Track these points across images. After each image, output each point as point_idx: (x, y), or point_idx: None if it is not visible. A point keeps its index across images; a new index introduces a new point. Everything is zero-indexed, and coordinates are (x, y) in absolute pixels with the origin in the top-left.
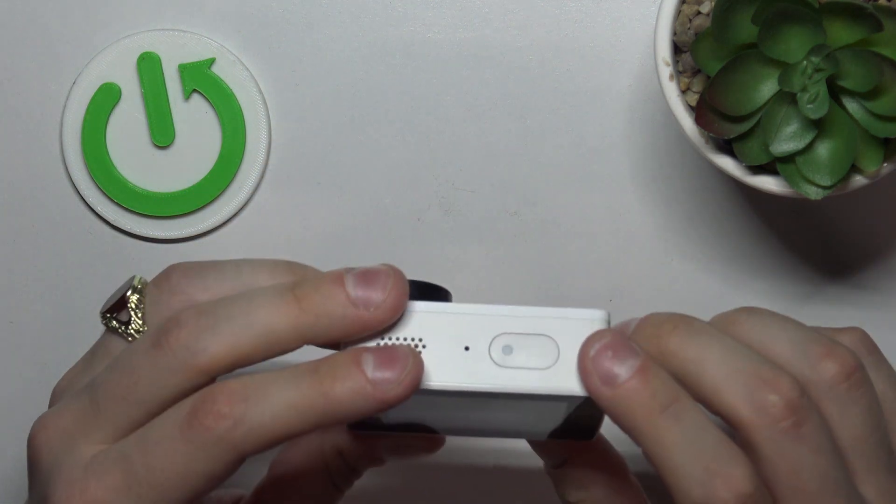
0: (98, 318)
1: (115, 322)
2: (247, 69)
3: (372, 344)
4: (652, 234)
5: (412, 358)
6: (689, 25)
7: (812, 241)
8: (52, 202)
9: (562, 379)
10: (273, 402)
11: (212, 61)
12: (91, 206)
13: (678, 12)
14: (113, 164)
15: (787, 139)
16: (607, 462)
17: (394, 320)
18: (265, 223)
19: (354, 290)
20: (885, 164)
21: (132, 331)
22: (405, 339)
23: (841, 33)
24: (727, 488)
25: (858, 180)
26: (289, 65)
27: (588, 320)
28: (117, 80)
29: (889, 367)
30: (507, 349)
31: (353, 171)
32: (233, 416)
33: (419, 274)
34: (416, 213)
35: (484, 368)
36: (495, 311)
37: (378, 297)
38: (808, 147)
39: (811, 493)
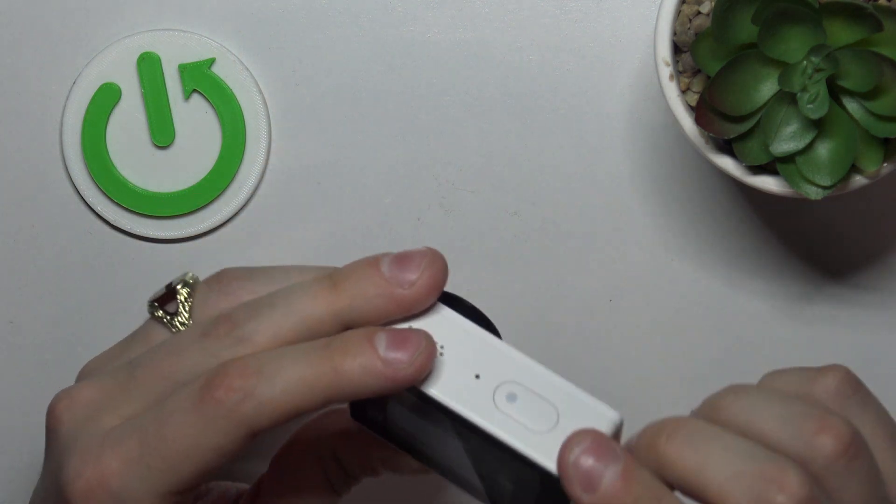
0: (100, 317)
1: (161, 312)
2: (247, 69)
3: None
4: (652, 234)
5: (426, 342)
6: (689, 25)
7: (812, 241)
8: (52, 202)
9: (544, 450)
10: (284, 375)
11: (212, 61)
12: (91, 206)
13: (678, 12)
14: (113, 164)
15: (787, 139)
16: None
17: (429, 301)
18: (265, 223)
19: (389, 270)
20: (885, 164)
21: (177, 322)
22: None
23: (841, 33)
24: None
25: (858, 180)
26: (289, 65)
27: (598, 414)
28: (117, 80)
29: (875, 403)
30: (512, 397)
31: (353, 171)
32: (244, 390)
33: None
34: (416, 213)
35: (482, 402)
36: (520, 359)
37: (412, 276)
38: (808, 147)
39: None
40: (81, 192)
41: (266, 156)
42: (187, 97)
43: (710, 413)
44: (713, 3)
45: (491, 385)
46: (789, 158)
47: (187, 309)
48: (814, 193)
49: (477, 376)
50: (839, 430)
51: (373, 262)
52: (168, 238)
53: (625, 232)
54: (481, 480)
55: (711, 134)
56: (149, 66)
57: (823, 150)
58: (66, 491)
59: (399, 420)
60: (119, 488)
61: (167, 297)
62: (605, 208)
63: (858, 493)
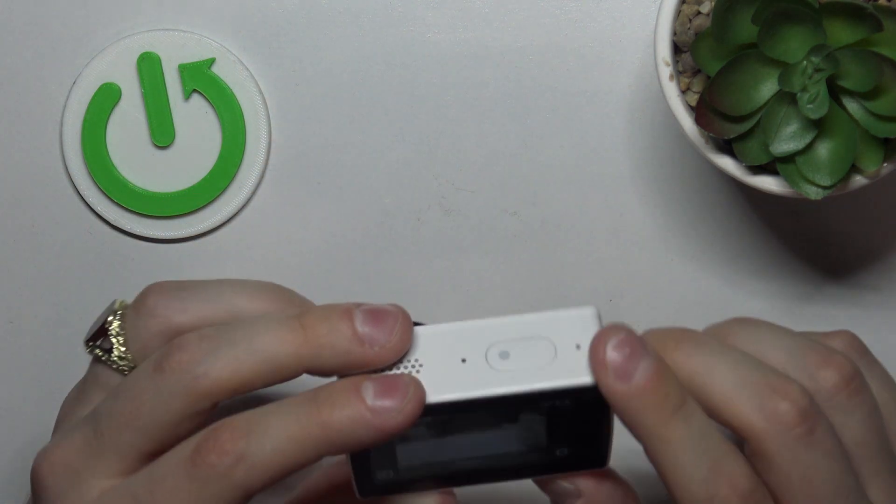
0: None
1: (98, 350)
2: (247, 69)
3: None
4: (652, 234)
5: (413, 386)
6: (689, 25)
7: (812, 241)
8: (52, 202)
9: (564, 372)
10: (273, 434)
11: (212, 61)
12: (91, 206)
13: (678, 12)
14: (113, 164)
15: (787, 139)
16: (619, 496)
17: (394, 360)
18: (265, 223)
19: (362, 327)
20: (885, 164)
21: (115, 358)
22: (401, 361)
23: (841, 33)
24: (730, 486)
25: (858, 180)
26: (289, 65)
27: (579, 317)
28: (117, 80)
29: (881, 367)
30: (504, 354)
31: (353, 171)
32: (235, 452)
33: (419, 273)
34: (416, 213)
35: (483, 376)
36: (486, 324)
37: (384, 336)
38: (808, 147)
39: (824, 499)
40: (81, 192)
41: (266, 156)
42: (187, 97)
43: (716, 338)
44: (713, 3)
45: (479, 359)
46: (789, 158)
47: (122, 342)
48: (814, 193)
49: (463, 360)
50: (842, 365)
51: (345, 313)
52: (168, 238)
53: (625, 232)
54: (523, 451)
55: (711, 134)
56: (149, 66)
57: (823, 150)
58: None
59: (415, 457)
60: None
61: (100, 332)
62: (605, 208)
63: (860, 431)
